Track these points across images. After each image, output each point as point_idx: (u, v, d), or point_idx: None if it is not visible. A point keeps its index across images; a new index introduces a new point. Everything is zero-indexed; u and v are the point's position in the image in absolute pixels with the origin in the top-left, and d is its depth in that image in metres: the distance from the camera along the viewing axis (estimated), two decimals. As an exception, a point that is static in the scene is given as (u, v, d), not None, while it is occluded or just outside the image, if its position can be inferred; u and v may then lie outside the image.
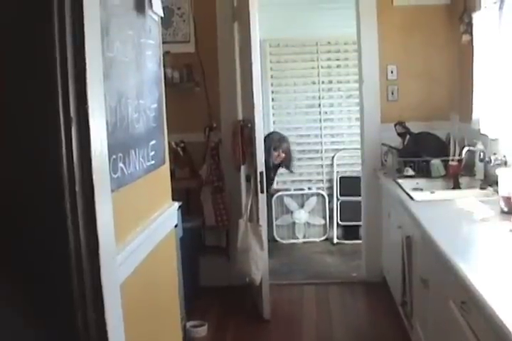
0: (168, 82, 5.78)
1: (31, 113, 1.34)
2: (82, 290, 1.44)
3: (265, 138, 5.86)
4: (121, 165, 1.85)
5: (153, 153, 2.26)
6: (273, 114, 7.93)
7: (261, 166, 4.98)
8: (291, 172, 7.47)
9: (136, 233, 1.99)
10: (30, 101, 1.35)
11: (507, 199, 3.63)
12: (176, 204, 2.64)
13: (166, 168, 2.51)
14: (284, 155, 7.12)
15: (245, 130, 5.26)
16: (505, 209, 3.63)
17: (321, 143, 7.92)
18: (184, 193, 5.64)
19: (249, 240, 5.10)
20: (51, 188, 1.35)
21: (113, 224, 1.61)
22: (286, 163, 7.26)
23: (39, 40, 1.41)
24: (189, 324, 4.99)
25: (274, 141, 7.05)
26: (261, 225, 5.11)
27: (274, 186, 7.77)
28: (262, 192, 5.01)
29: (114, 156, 1.78)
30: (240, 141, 5.29)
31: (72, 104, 1.34)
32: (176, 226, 4.21)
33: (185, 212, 5.04)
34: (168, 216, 2.46)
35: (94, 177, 1.42)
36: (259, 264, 5.12)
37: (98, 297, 1.46)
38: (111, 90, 1.80)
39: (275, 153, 7.03)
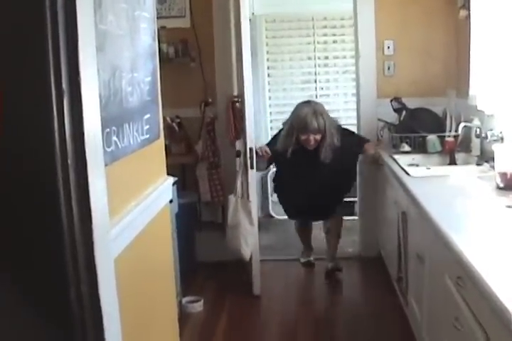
0: (164, 58, 5.75)
1: (22, 85, 1.33)
2: (76, 264, 1.43)
3: (293, 114, 5.46)
4: (114, 138, 1.83)
5: (147, 127, 2.24)
6: (269, 90, 7.90)
7: (250, 142, 4.98)
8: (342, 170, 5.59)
9: (130, 207, 1.98)
10: (20, 73, 1.33)
11: (503, 175, 3.62)
12: (171, 179, 2.63)
13: (160, 142, 2.50)
14: (319, 137, 5.29)
15: (236, 105, 5.27)
16: (501, 185, 3.63)
17: (317, 118, 7.88)
18: (180, 169, 5.62)
19: (239, 216, 5.12)
20: (43, 161, 1.34)
21: (107, 198, 1.60)
22: (327, 150, 5.32)
23: (30, 12, 1.39)
24: (185, 299, 5.00)
25: (303, 117, 5.28)
26: (250, 201, 5.13)
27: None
28: (251, 168, 5.00)
29: (107, 130, 1.76)
30: (232, 117, 5.30)
31: (64, 76, 1.32)
32: (171, 201, 4.21)
33: (180, 188, 5.04)
34: (162, 190, 2.45)
35: (86, 150, 1.41)
36: (248, 240, 5.14)
37: (91, 271, 1.45)
38: (104, 63, 1.78)
39: (303, 137, 5.30)
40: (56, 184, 1.35)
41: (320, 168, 5.34)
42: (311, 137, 5.25)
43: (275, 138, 5.64)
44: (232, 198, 5.15)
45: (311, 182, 5.42)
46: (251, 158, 5.00)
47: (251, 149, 4.99)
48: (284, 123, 5.62)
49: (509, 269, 2.34)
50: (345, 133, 5.51)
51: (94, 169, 1.48)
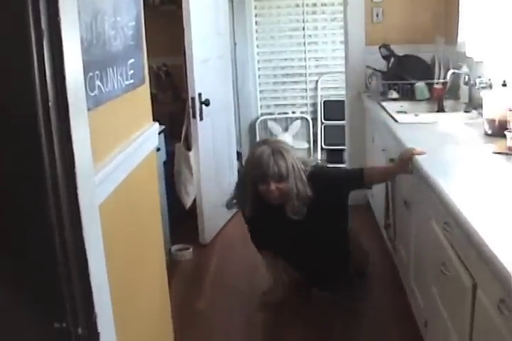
0: (150, 5, 5.70)
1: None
2: (59, 210, 1.41)
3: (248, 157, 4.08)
4: (98, 83, 1.81)
5: (132, 71, 2.21)
6: (256, 38, 7.82)
7: (192, 92, 4.96)
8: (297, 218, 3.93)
9: (115, 153, 1.96)
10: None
11: (491, 122, 3.62)
12: (157, 124, 2.61)
13: (145, 87, 2.47)
14: (283, 186, 3.82)
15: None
16: (489, 132, 3.63)
17: (305, 66, 7.85)
18: (167, 117, 5.59)
19: (181, 165, 5.13)
20: (23, 103, 1.32)
21: (90, 143, 1.58)
22: (295, 203, 3.88)
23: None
24: (174, 247, 5.02)
25: (257, 158, 3.83)
26: (189, 151, 5.14)
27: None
28: (193, 117, 4.98)
29: (90, 74, 1.73)
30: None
31: (43, 16, 1.29)
32: (158, 150, 4.20)
33: (168, 136, 5.02)
34: (148, 136, 2.43)
35: (68, 93, 1.38)
36: (189, 188, 5.19)
37: (75, 216, 1.44)
38: (85, 5, 1.75)
39: (261, 187, 3.85)
40: (37, 127, 1.33)
41: (294, 226, 3.98)
42: (272, 186, 3.79)
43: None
44: (177, 146, 5.19)
45: (291, 245, 4.15)
46: (193, 107, 4.98)
47: (193, 98, 4.96)
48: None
49: (495, 214, 2.34)
50: (323, 172, 4.08)
51: (76, 113, 1.45)
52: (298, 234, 4.03)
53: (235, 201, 4.18)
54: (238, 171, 4.58)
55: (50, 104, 1.33)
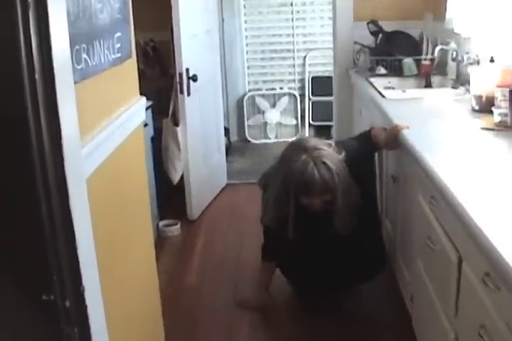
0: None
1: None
2: (46, 182, 1.41)
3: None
4: (84, 56, 1.80)
5: (118, 45, 2.20)
6: (244, 14, 7.79)
7: (180, 67, 4.95)
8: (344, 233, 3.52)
9: (102, 126, 1.96)
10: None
11: (478, 98, 3.62)
12: (144, 99, 2.60)
13: (132, 61, 2.46)
14: (329, 197, 3.44)
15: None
16: (476, 108, 3.63)
17: (293, 42, 7.83)
18: (155, 93, 5.56)
19: (169, 140, 5.13)
20: (8, 75, 1.31)
21: (77, 116, 1.58)
22: (344, 215, 3.48)
23: None
24: (162, 223, 5.03)
25: (299, 173, 3.36)
26: (177, 126, 5.14)
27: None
28: (181, 93, 4.98)
29: (77, 47, 1.72)
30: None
31: (28, -12, 1.28)
32: (146, 125, 4.19)
33: (156, 112, 5.01)
34: (136, 110, 2.42)
35: (55, 65, 1.37)
36: (176, 164, 5.20)
37: (62, 188, 1.44)
38: (72, -23, 1.74)
39: (305, 201, 3.48)
40: (24, 100, 1.33)
41: (336, 239, 3.60)
42: (318, 200, 3.46)
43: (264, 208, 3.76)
44: (165, 122, 5.17)
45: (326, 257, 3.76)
46: (180, 82, 4.97)
47: (180, 74, 4.95)
48: (265, 177, 3.87)
49: (481, 188, 2.36)
50: (351, 155, 3.54)
51: (63, 85, 1.45)
52: (336, 246, 3.69)
53: (270, 216, 3.64)
54: (265, 178, 3.81)
55: (36, 76, 1.32)
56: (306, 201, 3.47)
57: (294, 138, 7.83)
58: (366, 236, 3.69)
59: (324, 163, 3.34)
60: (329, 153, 3.42)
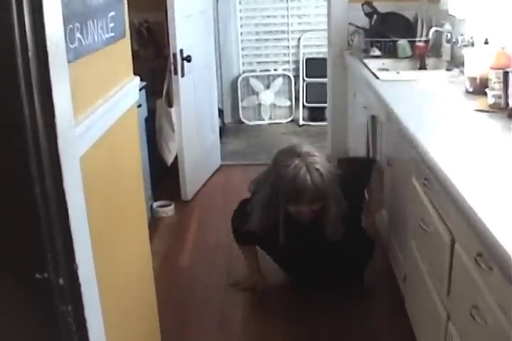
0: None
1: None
2: (39, 161, 1.41)
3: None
4: (78, 35, 1.79)
5: (112, 24, 2.18)
6: (239, -6, 7.75)
7: (174, 48, 4.93)
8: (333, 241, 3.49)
9: (95, 106, 1.95)
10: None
11: (472, 80, 3.62)
12: (138, 79, 2.59)
13: (126, 41, 2.44)
14: (318, 207, 3.39)
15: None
16: (470, 90, 3.64)
17: (288, 24, 7.79)
18: (149, 74, 5.54)
19: (163, 121, 5.12)
20: (0, 54, 1.30)
21: (70, 95, 1.57)
22: (335, 224, 3.43)
23: None
24: (155, 204, 5.04)
25: (290, 178, 3.26)
26: (171, 107, 5.13)
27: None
28: (175, 73, 4.97)
29: (70, 26, 1.71)
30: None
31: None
32: (140, 106, 4.18)
33: (150, 93, 5.00)
34: (129, 90, 2.41)
35: (48, 43, 1.37)
36: (170, 145, 5.20)
37: (56, 167, 1.44)
38: (66, -45, 1.72)
39: (293, 209, 3.39)
40: (17, 78, 1.32)
41: (326, 246, 3.56)
42: (307, 209, 3.36)
43: (245, 211, 3.62)
44: (159, 102, 5.17)
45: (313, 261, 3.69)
46: (174, 63, 4.95)
47: (174, 55, 4.94)
48: (255, 183, 3.65)
49: (475, 170, 2.37)
50: (346, 175, 3.45)
51: (56, 64, 1.44)
52: (326, 251, 3.62)
53: (257, 222, 3.49)
54: (256, 184, 3.60)
55: (29, 53, 1.32)
56: (295, 209, 3.35)
57: (288, 120, 7.86)
58: (352, 235, 3.56)
59: (317, 170, 3.25)
60: (322, 160, 3.33)
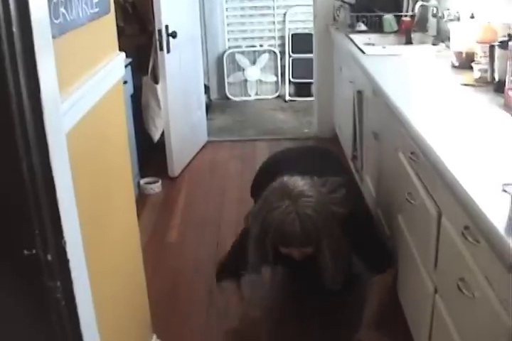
0: None
1: None
2: (25, 136, 1.40)
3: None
4: (62, 10, 1.77)
5: (96, 0, 2.17)
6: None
7: (159, 24, 4.92)
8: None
9: (81, 81, 1.94)
10: None
11: (458, 54, 3.63)
12: (123, 54, 2.57)
13: (111, 17, 2.43)
14: (310, 250, 2.94)
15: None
16: (457, 64, 3.64)
17: (273, -1, 7.76)
18: (134, 50, 5.51)
19: (149, 97, 5.12)
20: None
21: (55, 70, 1.56)
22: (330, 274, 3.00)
23: None
24: (143, 181, 5.03)
25: (277, 222, 2.80)
26: (157, 84, 5.13)
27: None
28: (161, 49, 4.96)
29: (54, 0, 1.70)
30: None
31: None
32: (125, 83, 4.17)
33: (135, 70, 4.98)
34: (114, 65, 2.40)
35: (32, 18, 1.36)
36: (156, 121, 5.20)
37: (42, 142, 1.44)
38: None
39: (283, 250, 2.97)
40: (2, 53, 1.31)
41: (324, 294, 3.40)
42: (296, 251, 2.98)
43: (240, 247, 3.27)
44: (144, 79, 5.16)
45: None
46: (159, 40, 4.95)
47: (160, 30, 4.93)
48: (249, 217, 3.23)
49: (460, 143, 2.37)
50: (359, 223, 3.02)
51: (41, 39, 1.43)
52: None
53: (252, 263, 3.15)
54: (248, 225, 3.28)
55: (13, 28, 1.31)
56: (285, 251, 2.99)
57: (274, 96, 7.83)
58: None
59: (308, 215, 2.77)
60: (318, 201, 2.82)
